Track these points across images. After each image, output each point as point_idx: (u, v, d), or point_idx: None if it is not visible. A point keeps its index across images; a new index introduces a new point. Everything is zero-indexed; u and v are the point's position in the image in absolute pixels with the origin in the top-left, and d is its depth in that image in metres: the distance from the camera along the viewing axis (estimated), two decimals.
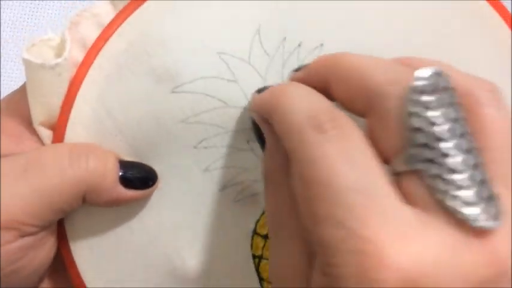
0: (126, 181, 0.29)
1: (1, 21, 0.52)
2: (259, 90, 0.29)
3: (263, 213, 0.31)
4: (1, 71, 0.50)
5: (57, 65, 0.28)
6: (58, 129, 0.30)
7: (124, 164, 0.29)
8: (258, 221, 0.31)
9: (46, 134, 0.30)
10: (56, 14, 0.52)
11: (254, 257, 0.32)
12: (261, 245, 0.32)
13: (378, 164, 0.22)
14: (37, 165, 0.28)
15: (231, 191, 0.31)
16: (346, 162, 0.21)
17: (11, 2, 0.52)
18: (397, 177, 0.22)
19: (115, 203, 0.29)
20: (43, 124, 0.30)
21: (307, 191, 0.21)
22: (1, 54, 0.52)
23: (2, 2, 0.52)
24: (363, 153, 0.21)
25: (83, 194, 0.28)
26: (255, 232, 0.31)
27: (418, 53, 0.30)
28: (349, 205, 0.20)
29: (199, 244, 0.31)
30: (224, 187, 0.31)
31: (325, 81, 0.25)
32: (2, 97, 0.31)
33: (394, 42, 0.30)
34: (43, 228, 0.28)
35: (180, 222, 0.31)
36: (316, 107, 0.23)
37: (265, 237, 0.31)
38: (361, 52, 0.29)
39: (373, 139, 0.22)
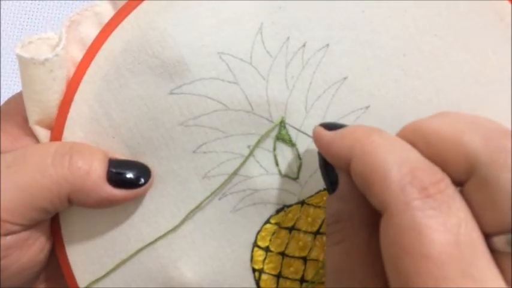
0: (115, 180, 0.28)
1: (1, 21, 0.52)
2: (326, 126, 0.26)
3: (264, 224, 0.30)
4: (1, 71, 0.50)
5: (46, 60, 0.27)
6: (56, 129, 0.29)
7: (114, 163, 0.28)
8: (258, 232, 0.30)
9: (43, 133, 0.29)
10: (56, 14, 0.52)
11: (254, 270, 0.30)
12: (262, 258, 0.30)
13: (482, 242, 0.20)
14: (20, 162, 0.27)
15: (231, 200, 0.30)
16: (452, 240, 0.20)
17: (11, 2, 0.53)
18: (493, 253, 0.21)
19: (104, 204, 0.28)
20: (40, 123, 0.29)
21: (402, 259, 0.20)
22: (1, 55, 0.51)
23: (2, 2, 0.52)
24: (467, 230, 0.20)
25: (67, 194, 0.27)
26: (255, 244, 0.30)
27: (429, 50, 0.28)
28: None
29: (196, 255, 0.30)
30: (223, 195, 0.29)
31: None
32: (1, 97, 0.30)
33: (403, 41, 0.28)
34: (27, 227, 0.28)
35: (176, 231, 0.30)
36: (414, 163, 0.21)
37: (266, 249, 0.30)
38: (369, 52, 0.28)
39: (470, 206, 0.21)
